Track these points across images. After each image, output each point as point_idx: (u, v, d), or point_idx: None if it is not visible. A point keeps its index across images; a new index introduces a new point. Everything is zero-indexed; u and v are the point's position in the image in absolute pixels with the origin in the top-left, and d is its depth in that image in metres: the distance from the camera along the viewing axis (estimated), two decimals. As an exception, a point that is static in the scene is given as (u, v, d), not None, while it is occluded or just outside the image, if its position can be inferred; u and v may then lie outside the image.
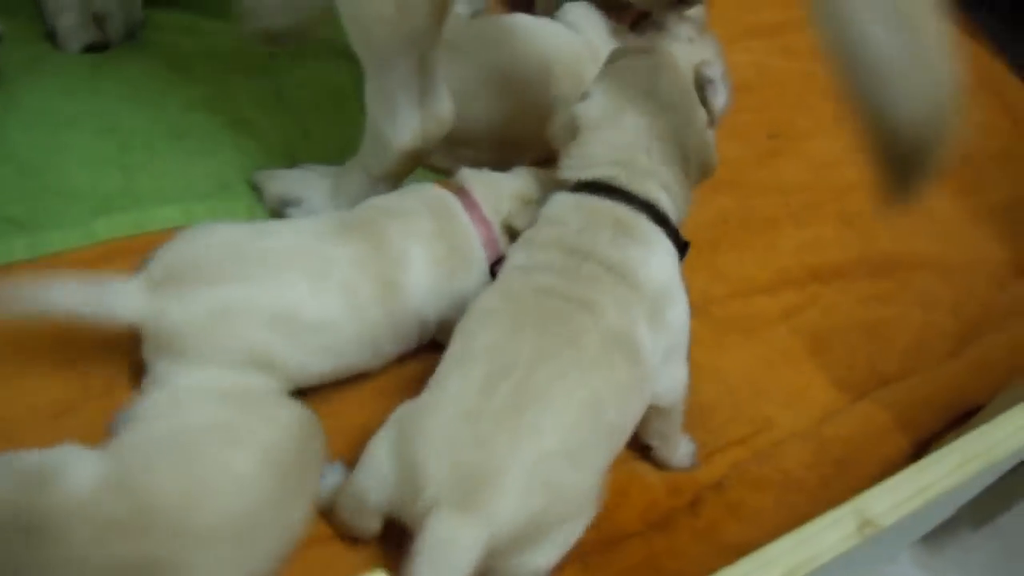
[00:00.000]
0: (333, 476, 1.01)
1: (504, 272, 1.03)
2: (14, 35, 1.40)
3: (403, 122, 1.13)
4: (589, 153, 1.08)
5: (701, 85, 1.39)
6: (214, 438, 0.89)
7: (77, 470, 0.85)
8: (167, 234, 1.20)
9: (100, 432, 1.03)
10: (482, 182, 1.18)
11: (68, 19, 1.42)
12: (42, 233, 1.19)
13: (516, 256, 1.04)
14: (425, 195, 1.16)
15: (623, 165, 1.05)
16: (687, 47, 1.38)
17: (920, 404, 1.22)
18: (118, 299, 0.98)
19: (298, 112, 1.42)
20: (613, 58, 1.19)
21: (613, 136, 1.08)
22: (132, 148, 1.30)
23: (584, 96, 1.12)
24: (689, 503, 1.09)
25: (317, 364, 1.04)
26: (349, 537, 0.98)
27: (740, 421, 1.19)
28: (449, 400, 0.90)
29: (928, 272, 1.42)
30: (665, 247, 1.04)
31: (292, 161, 1.32)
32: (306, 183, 1.26)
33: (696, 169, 1.16)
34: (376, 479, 0.93)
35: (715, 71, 1.38)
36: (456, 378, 0.92)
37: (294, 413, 0.96)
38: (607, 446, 0.94)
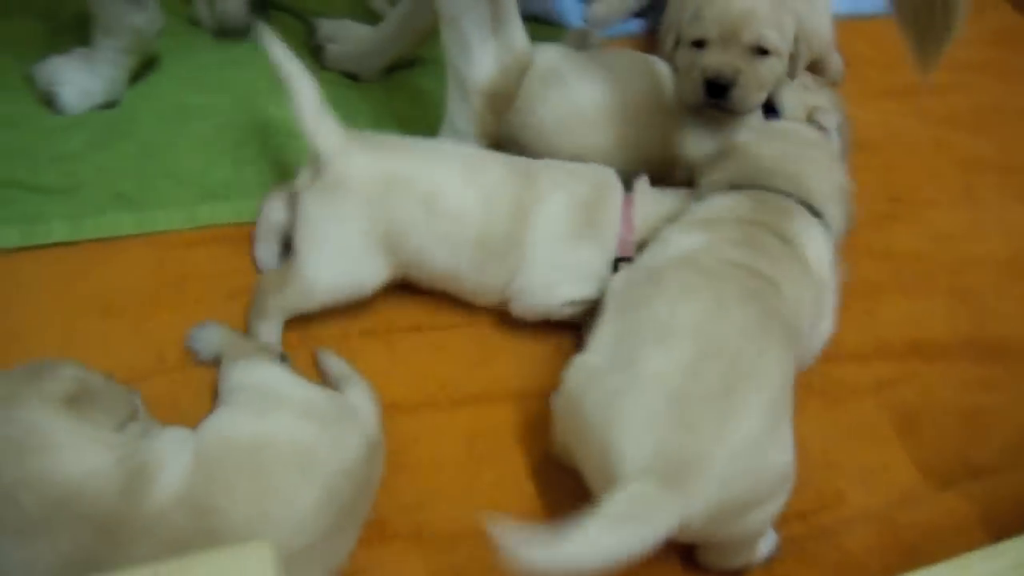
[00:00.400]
0: None
1: (682, 250, 1.05)
2: (172, 28, 1.50)
3: (479, 56, 1.16)
4: (741, 165, 1.16)
5: None
6: (290, 464, 0.89)
7: (173, 470, 0.86)
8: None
9: (168, 404, 1.08)
10: (647, 192, 1.24)
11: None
12: (149, 211, 1.26)
13: (689, 237, 1.07)
14: (596, 170, 1.25)
15: (774, 173, 1.14)
16: (801, 92, 1.35)
17: (1011, 502, 1.11)
18: (327, 130, 1.15)
19: (408, 126, 1.45)
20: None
21: (763, 152, 1.17)
22: (246, 143, 1.37)
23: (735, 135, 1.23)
24: (733, 572, 1.03)
25: (433, 256, 1.17)
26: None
27: (807, 492, 1.11)
28: (654, 379, 0.90)
29: (1044, 363, 1.30)
30: (823, 237, 1.11)
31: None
32: None
33: (840, 213, 1.19)
34: (561, 437, 0.99)
35: (830, 120, 1.33)
36: (659, 355, 0.92)
37: (364, 437, 0.96)
38: (790, 425, 0.94)
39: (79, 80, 1.39)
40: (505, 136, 1.35)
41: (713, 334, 0.92)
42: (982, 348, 1.31)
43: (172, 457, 0.87)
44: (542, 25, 1.61)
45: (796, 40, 1.32)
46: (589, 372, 0.96)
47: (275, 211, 1.23)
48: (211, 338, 1.12)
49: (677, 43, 1.35)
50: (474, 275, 1.19)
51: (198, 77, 1.47)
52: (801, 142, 1.20)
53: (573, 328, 1.24)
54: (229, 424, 0.92)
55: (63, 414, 0.87)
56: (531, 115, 1.33)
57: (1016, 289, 1.39)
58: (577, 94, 1.34)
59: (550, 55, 1.37)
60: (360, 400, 1.03)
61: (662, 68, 1.39)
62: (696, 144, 1.35)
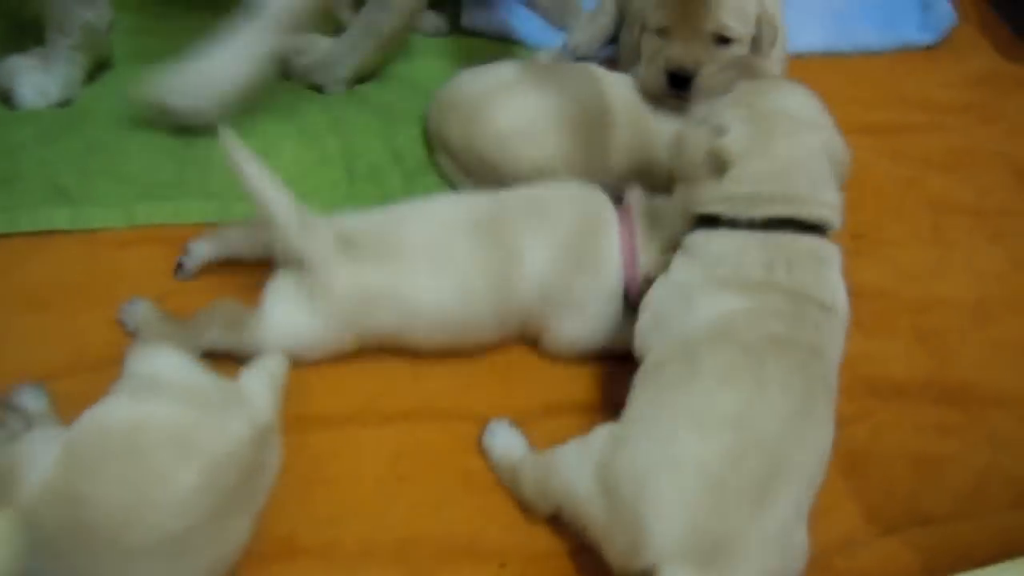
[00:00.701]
0: (505, 435, 1.09)
1: (716, 317, 1.00)
2: (124, 26, 1.48)
3: None
4: (749, 192, 1.05)
5: None
6: (166, 446, 0.87)
7: (41, 467, 0.84)
8: (200, 227, 1.24)
9: (85, 402, 1.03)
10: (645, 216, 1.18)
11: None
12: (86, 208, 1.24)
13: (721, 301, 1.01)
14: (581, 197, 1.19)
15: (790, 201, 1.04)
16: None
17: (960, 553, 1.05)
18: (312, 237, 1.09)
19: (370, 138, 1.43)
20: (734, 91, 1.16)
21: (767, 166, 1.05)
22: (194, 145, 1.34)
23: (719, 130, 1.07)
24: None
25: (429, 342, 1.15)
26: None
27: (743, 531, 1.07)
28: (689, 462, 0.90)
29: (1005, 410, 1.24)
30: (837, 257, 1.07)
31: (348, 180, 1.36)
32: None
33: (840, 177, 1.11)
34: (576, 503, 0.96)
35: None
36: (698, 441, 0.91)
37: (251, 422, 0.93)
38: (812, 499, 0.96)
39: (36, 79, 1.38)
40: (464, 147, 1.33)
41: (753, 423, 0.92)
42: (941, 392, 1.26)
43: (38, 456, 0.84)
44: (505, 44, 1.60)
45: (759, 22, 1.32)
46: (622, 443, 0.95)
47: (237, 239, 1.21)
48: (136, 314, 1.11)
49: (642, 30, 1.34)
50: (480, 338, 1.17)
51: (154, 79, 1.45)
52: (794, 128, 1.06)
53: (505, 349, 1.20)
54: (104, 413, 0.90)
55: None
56: (491, 125, 1.31)
57: (980, 333, 1.34)
58: (537, 104, 1.32)
59: (510, 68, 1.36)
60: (256, 386, 1.00)
61: (625, 79, 1.38)
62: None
